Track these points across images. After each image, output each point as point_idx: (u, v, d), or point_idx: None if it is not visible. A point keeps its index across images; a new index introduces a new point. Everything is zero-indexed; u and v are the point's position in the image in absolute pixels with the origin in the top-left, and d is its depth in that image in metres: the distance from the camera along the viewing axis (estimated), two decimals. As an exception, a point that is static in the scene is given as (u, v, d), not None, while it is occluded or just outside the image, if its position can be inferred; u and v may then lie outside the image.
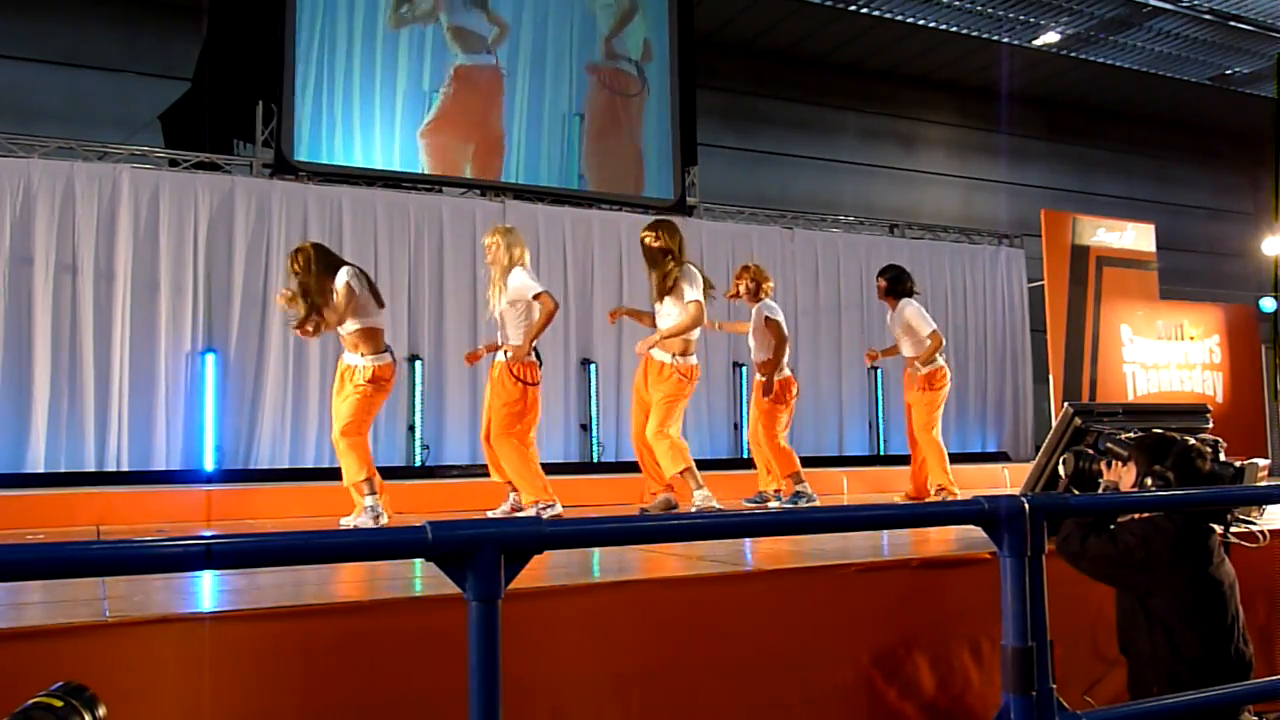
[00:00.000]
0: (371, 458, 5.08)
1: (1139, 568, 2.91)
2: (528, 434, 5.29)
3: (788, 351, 6.24)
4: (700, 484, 5.32)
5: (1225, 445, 3.26)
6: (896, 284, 6.58)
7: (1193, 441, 3.07)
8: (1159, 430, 3.21)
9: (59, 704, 1.61)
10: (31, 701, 1.61)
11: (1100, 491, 3.24)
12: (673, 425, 5.34)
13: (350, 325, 5.00)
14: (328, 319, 5.02)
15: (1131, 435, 3.25)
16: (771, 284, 6.38)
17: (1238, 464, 3.20)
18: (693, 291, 5.34)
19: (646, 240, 5.48)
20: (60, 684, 1.66)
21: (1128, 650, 3.03)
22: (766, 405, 6.13)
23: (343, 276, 4.98)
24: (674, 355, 5.36)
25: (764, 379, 6.13)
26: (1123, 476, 3.14)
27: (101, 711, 1.66)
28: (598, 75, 9.49)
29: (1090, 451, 3.43)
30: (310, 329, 5.11)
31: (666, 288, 5.39)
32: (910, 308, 6.49)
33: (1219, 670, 2.87)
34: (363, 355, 4.99)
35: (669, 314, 5.41)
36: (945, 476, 6.36)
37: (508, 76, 9.08)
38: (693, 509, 5.34)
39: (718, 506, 5.38)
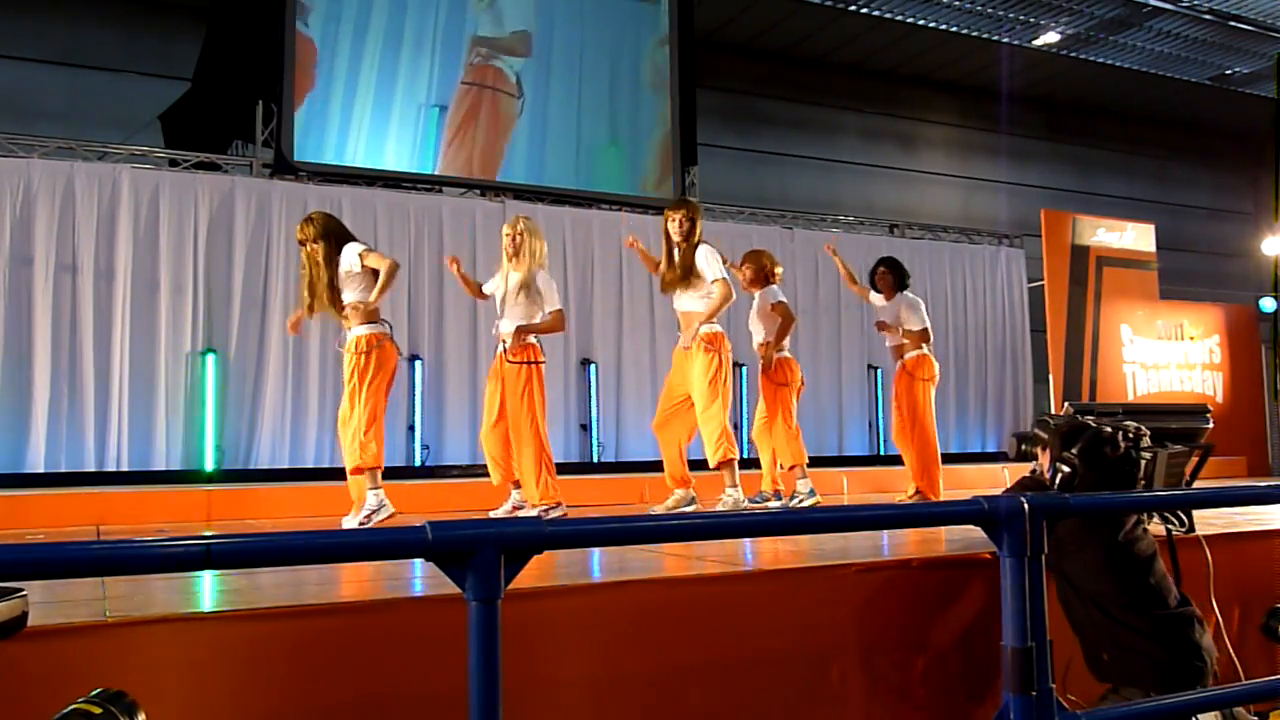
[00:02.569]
0: (381, 451, 4.95)
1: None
2: (543, 429, 5.19)
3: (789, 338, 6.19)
4: (736, 483, 5.26)
5: (1147, 434, 3.27)
6: (900, 276, 6.57)
7: (1107, 430, 3.13)
8: (1084, 419, 3.25)
9: (98, 710, 1.60)
10: (71, 708, 1.60)
11: (1030, 474, 3.30)
12: (720, 407, 5.22)
13: (349, 296, 4.94)
14: (321, 296, 4.97)
15: (1057, 420, 3.29)
16: (781, 270, 6.34)
17: (1146, 456, 3.24)
18: (716, 269, 5.29)
19: (670, 227, 5.39)
20: (99, 690, 1.64)
21: (1076, 629, 3.10)
22: (772, 390, 6.09)
23: (352, 250, 4.96)
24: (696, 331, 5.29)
25: (763, 358, 6.10)
26: (1043, 461, 3.22)
27: (141, 718, 1.65)
28: (470, 69, 9.06)
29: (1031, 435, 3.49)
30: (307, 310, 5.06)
31: (687, 274, 5.31)
32: (909, 300, 6.48)
33: (1160, 629, 2.94)
34: (357, 325, 4.92)
35: (689, 300, 5.35)
36: (932, 479, 6.30)
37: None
38: (721, 505, 5.31)
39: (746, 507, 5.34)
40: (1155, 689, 2.88)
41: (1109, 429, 3.13)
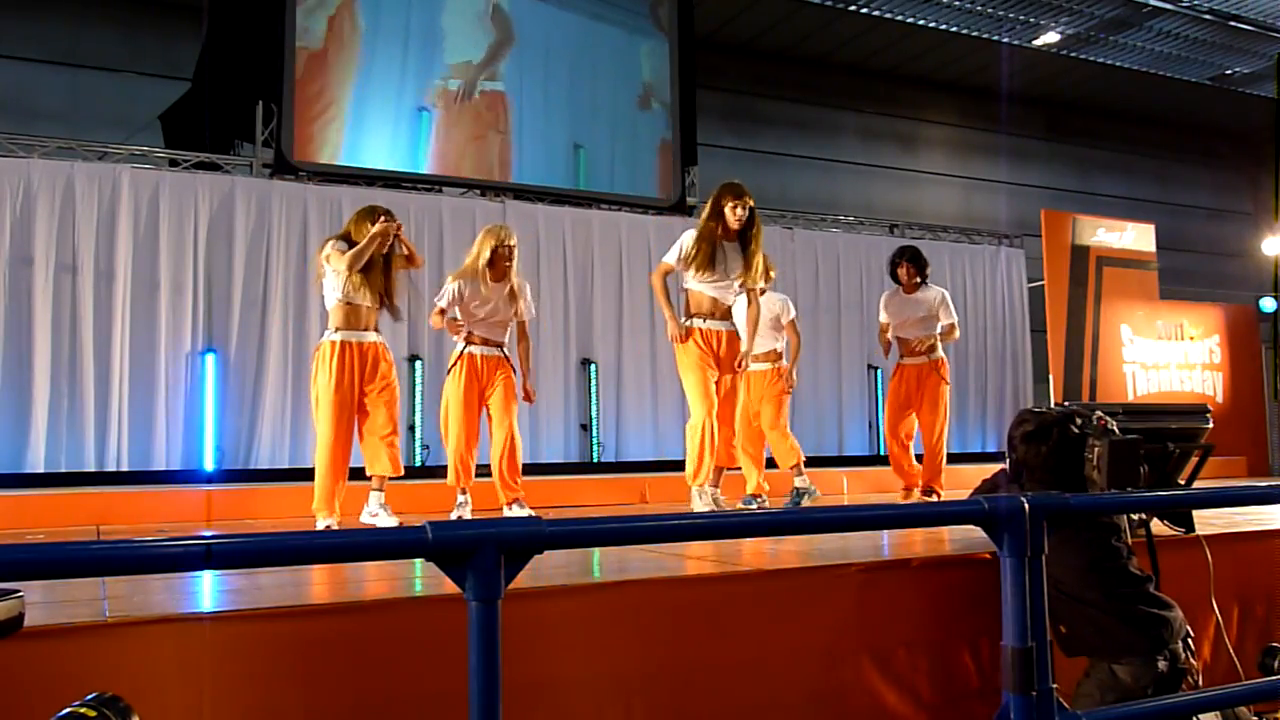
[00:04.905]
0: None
1: None
2: None
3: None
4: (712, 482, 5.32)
5: (1115, 423, 3.29)
6: (925, 265, 6.47)
7: (1052, 416, 3.17)
8: (1050, 411, 3.27)
9: (93, 714, 1.60)
10: (66, 711, 1.60)
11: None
12: (696, 406, 5.20)
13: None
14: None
15: (1034, 409, 3.34)
16: (774, 273, 6.34)
17: (1099, 444, 3.26)
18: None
19: (734, 213, 5.03)
20: (94, 694, 1.65)
21: None
22: (778, 397, 6.13)
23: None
24: (687, 316, 5.23)
25: (786, 370, 6.14)
26: None
27: None
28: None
29: None
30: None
31: (760, 271, 5.21)
32: (944, 292, 6.47)
33: (1116, 605, 2.97)
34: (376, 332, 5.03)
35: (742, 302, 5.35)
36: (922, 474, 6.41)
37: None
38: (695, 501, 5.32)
39: (719, 507, 5.34)
40: (1114, 660, 2.94)
41: (1057, 415, 3.17)
